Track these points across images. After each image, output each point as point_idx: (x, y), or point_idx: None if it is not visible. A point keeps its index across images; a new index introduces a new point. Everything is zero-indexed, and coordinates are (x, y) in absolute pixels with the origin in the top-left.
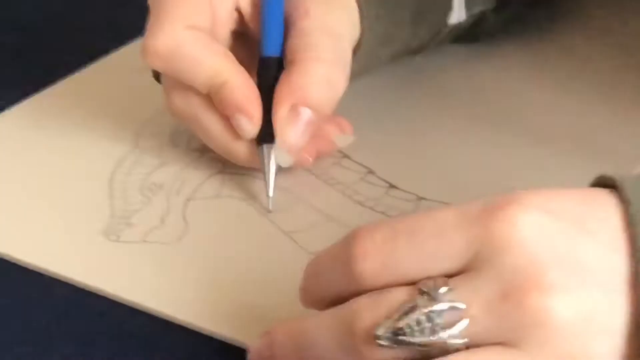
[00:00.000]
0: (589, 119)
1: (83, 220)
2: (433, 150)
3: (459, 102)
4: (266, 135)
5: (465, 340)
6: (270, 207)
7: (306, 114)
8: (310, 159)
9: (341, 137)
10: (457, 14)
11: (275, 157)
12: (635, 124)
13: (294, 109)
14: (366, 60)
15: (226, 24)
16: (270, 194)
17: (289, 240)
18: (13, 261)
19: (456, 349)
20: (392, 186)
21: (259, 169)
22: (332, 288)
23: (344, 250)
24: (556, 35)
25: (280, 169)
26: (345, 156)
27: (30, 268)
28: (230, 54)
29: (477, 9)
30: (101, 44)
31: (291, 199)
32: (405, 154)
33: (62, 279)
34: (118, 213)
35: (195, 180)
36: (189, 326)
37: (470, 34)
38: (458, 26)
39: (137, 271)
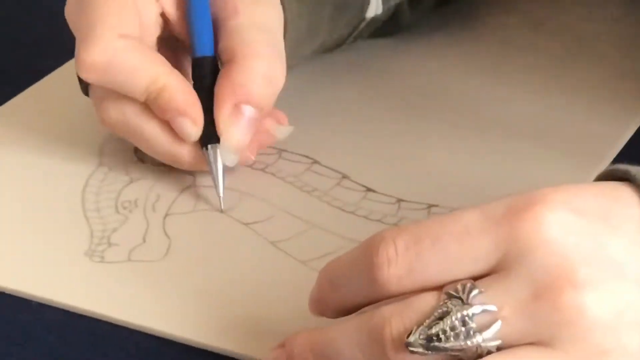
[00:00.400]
0: (543, 110)
1: (64, 244)
2: (403, 151)
3: (415, 99)
4: (209, 135)
5: (499, 342)
6: (223, 207)
7: (248, 111)
8: (253, 157)
9: (280, 128)
10: (375, 7)
11: (220, 157)
12: (569, 112)
13: (237, 107)
14: (289, 57)
15: (153, 30)
16: (221, 194)
17: (276, 250)
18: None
19: (488, 351)
20: (369, 190)
21: (206, 171)
22: (351, 296)
23: (365, 257)
24: (490, 27)
25: (227, 168)
26: (315, 162)
27: (18, 295)
28: (164, 59)
29: (392, 2)
30: (43, 61)
31: (270, 209)
32: (376, 156)
33: (52, 304)
34: (97, 233)
35: (169, 195)
36: (187, 342)
37: (387, 28)
38: (375, 19)
39: (127, 291)
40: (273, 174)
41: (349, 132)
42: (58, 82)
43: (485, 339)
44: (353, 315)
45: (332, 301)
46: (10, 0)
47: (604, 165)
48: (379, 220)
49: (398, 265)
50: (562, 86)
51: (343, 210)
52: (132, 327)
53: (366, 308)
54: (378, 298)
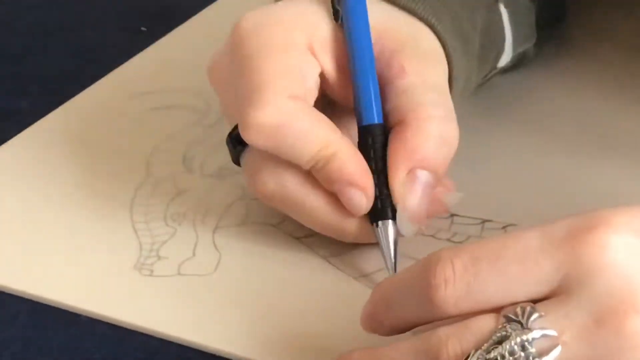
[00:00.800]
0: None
1: (112, 257)
2: (455, 165)
3: (479, 114)
4: (379, 209)
5: None
6: None
7: (424, 176)
8: (424, 227)
9: (450, 195)
10: (505, 57)
11: (397, 227)
12: None
13: (411, 172)
14: None
15: (314, 92)
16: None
17: (327, 265)
18: (48, 303)
19: None
20: None
21: (370, 244)
22: (405, 315)
23: (421, 277)
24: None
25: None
26: None
27: (67, 309)
28: (333, 123)
29: (520, 49)
30: (91, 67)
31: None
32: None
33: (101, 319)
34: (146, 246)
35: (219, 207)
36: (237, 358)
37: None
38: (503, 68)
39: (177, 305)
40: None
41: None
42: (104, 91)
43: None
44: (408, 334)
45: (386, 319)
46: (59, 8)
47: None
48: (432, 236)
49: (456, 287)
50: (620, 95)
51: None
52: (182, 342)
53: (421, 327)
54: (434, 318)
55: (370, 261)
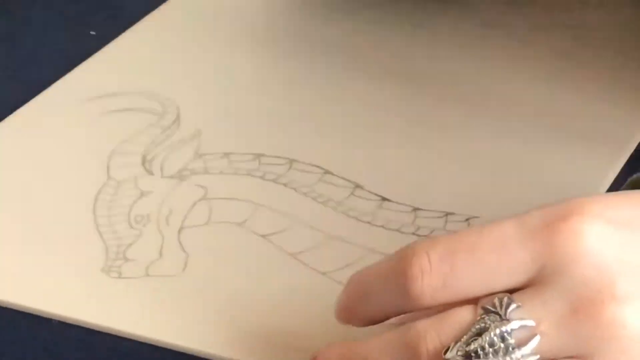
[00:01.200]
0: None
1: (80, 261)
2: (415, 157)
3: (423, 104)
4: None
5: (537, 357)
6: None
7: None
8: None
9: None
10: None
11: None
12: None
13: None
14: None
15: None
16: None
17: (296, 262)
18: (17, 309)
19: None
20: (384, 199)
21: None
22: (381, 306)
23: (398, 268)
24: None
25: None
26: (327, 172)
27: (38, 314)
28: None
29: None
30: (41, 73)
31: (286, 220)
32: (388, 164)
33: (73, 322)
34: (112, 249)
35: (182, 208)
36: (209, 357)
37: None
38: None
39: (147, 307)
40: (285, 185)
41: (359, 140)
42: (56, 97)
43: (523, 354)
44: (386, 327)
45: (361, 310)
46: (5, 15)
47: (620, 162)
48: (397, 230)
49: (432, 277)
50: (571, 82)
51: (359, 220)
52: (154, 343)
53: (396, 318)
54: (410, 310)
55: (339, 256)
